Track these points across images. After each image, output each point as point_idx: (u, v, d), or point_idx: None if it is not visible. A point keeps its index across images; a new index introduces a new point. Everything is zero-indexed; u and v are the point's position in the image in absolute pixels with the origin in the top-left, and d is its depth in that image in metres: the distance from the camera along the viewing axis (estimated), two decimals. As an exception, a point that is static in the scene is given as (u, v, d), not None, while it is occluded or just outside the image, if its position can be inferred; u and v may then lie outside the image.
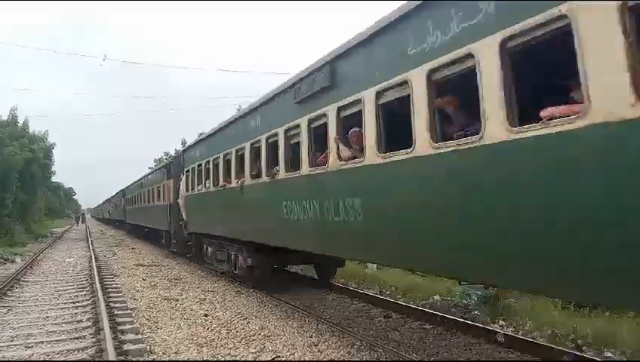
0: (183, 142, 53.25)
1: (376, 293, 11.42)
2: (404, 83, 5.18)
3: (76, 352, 7.12)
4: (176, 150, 46.55)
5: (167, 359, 6.89)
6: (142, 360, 6.78)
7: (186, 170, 16.67)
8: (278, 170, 8.63)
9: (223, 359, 6.80)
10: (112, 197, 56.18)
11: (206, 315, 9.37)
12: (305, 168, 7.49)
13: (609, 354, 6.73)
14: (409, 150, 5.07)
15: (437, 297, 10.59)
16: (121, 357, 6.62)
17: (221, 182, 12.09)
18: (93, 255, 20.52)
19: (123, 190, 40.45)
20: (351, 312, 9.57)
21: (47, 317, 9.41)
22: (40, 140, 38.98)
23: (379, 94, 5.68)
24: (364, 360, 6.66)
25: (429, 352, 7.07)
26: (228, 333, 8.03)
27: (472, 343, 7.39)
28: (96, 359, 6.81)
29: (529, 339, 7.22)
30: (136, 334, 7.89)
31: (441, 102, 4.91)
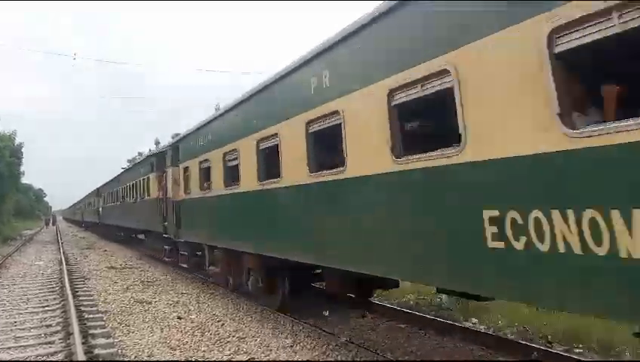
0: (157, 143, 52.33)
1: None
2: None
3: (45, 358, 6.96)
4: (150, 150, 45.29)
5: (139, 359, 6.81)
6: (113, 360, 6.71)
7: None
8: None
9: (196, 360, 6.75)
10: (105, 185, 34.12)
11: (180, 318, 9.26)
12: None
13: (579, 351, 6.93)
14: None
15: (411, 296, 10.69)
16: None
17: None
18: (63, 258, 20.05)
19: (156, 153, 18.02)
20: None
21: (15, 322, 9.16)
22: (7, 139, 37.92)
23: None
24: (339, 359, 6.70)
25: (403, 351, 7.16)
26: (202, 336, 7.95)
27: (446, 340, 7.52)
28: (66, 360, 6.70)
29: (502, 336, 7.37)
30: (108, 338, 7.74)
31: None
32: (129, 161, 58.37)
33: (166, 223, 15.08)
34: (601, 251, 2.93)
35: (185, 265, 14.04)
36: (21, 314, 9.88)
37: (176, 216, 13.80)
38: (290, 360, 6.73)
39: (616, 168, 2.90)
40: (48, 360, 6.91)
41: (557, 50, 3.24)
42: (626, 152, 2.80)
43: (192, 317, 9.35)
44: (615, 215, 2.85)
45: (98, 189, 38.06)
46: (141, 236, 23.81)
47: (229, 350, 7.18)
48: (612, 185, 2.91)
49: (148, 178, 17.87)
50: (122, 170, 28.39)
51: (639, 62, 3.69)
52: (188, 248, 13.54)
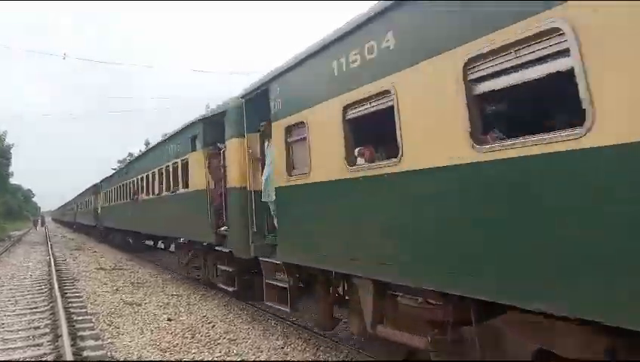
0: (147, 143, 51.98)
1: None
2: None
3: (33, 360, 6.91)
4: (140, 151, 44.99)
5: (128, 361, 6.79)
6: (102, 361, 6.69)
7: None
8: None
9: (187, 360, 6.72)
10: (106, 179, 27.21)
11: (170, 319, 9.22)
12: None
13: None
14: None
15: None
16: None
17: None
18: (52, 259, 19.86)
19: (203, 117, 10.62)
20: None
21: (3, 324, 9.07)
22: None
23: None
24: (330, 360, 6.70)
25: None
26: (192, 338, 7.92)
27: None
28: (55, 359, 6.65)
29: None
30: (97, 340, 7.70)
31: None
32: (119, 161, 57.92)
33: (223, 229, 9.37)
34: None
35: (286, 309, 7.02)
36: (9, 315, 9.78)
37: (257, 219, 7.93)
38: (281, 361, 6.73)
39: (510, 175, 3.54)
40: (37, 361, 6.86)
41: (470, 77, 3.82)
42: (522, 163, 3.41)
43: (183, 318, 9.31)
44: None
45: (96, 185, 31.46)
46: (151, 242, 20.58)
47: (220, 352, 7.16)
48: (508, 189, 3.55)
49: (185, 161, 11.75)
50: (134, 158, 22.15)
51: (536, 90, 4.19)
52: (275, 274, 7.36)
